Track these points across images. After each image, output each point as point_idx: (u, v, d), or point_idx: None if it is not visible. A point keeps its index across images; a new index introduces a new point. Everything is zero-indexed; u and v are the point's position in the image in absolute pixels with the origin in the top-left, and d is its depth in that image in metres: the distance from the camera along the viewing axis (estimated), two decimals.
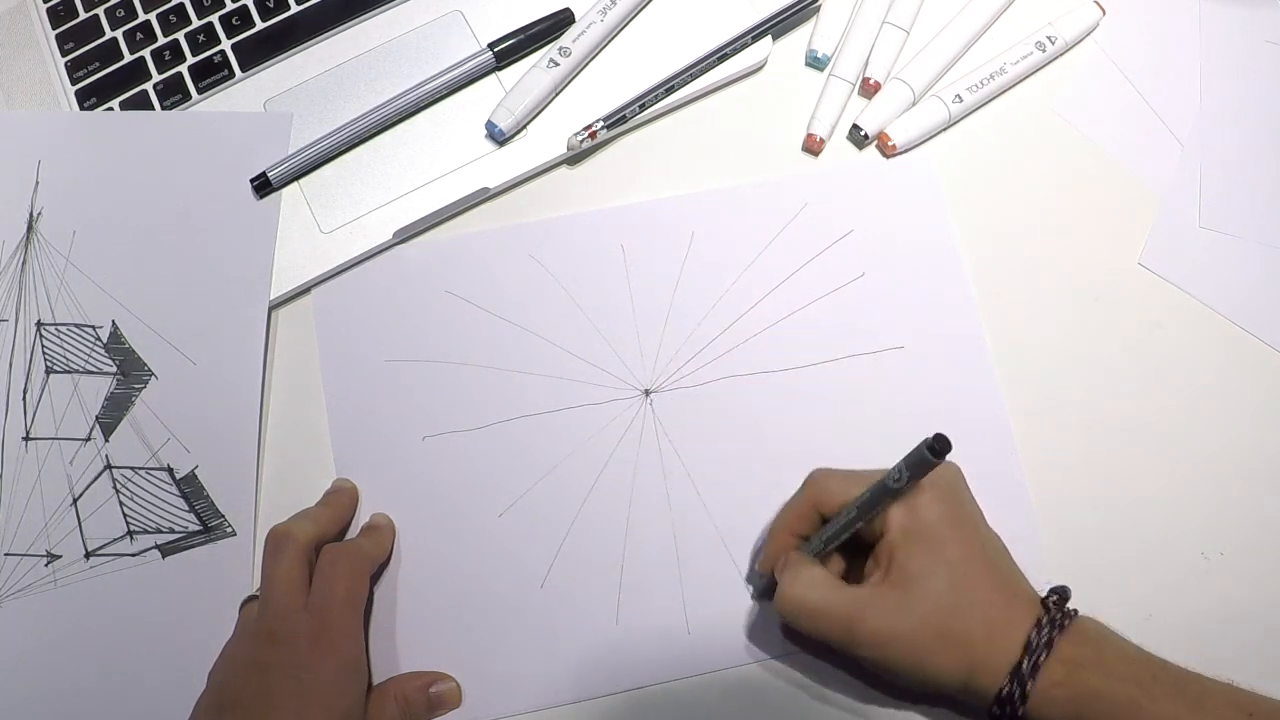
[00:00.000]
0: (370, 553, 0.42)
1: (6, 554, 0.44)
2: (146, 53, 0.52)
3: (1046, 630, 0.35)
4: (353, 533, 0.44)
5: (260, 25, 0.52)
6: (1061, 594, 0.38)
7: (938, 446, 0.34)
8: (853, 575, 0.40)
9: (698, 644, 0.42)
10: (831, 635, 0.37)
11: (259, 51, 0.52)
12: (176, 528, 0.44)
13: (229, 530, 0.44)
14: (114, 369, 0.46)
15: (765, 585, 0.42)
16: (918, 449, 0.35)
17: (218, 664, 0.40)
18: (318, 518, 0.42)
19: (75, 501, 0.44)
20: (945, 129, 0.51)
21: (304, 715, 0.36)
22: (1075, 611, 0.37)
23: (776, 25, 0.52)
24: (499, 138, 0.50)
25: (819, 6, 0.53)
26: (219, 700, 0.38)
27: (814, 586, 0.38)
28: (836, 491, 0.39)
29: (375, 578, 0.43)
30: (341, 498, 0.44)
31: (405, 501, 0.45)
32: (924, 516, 0.37)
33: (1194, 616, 0.43)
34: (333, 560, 0.40)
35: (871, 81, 0.51)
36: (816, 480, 0.40)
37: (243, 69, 0.51)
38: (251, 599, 0.41)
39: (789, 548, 0.40)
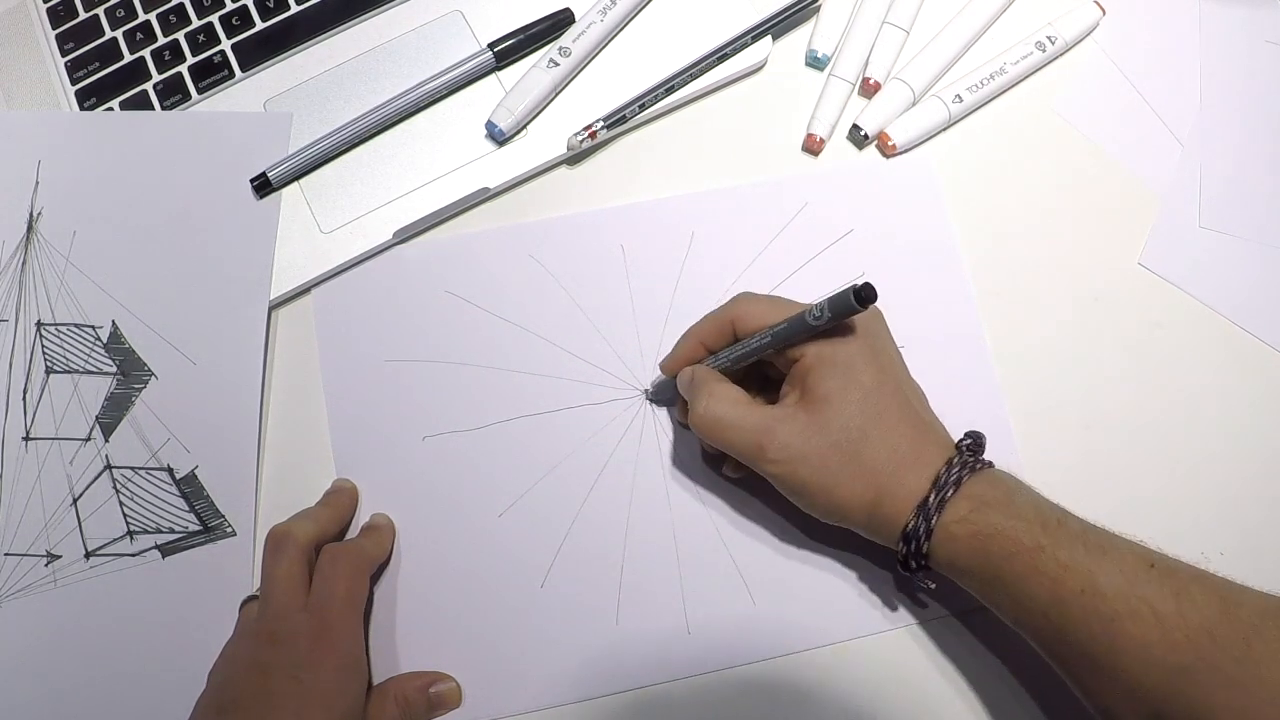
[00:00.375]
0: (370, 553, 0.42)
1: (6, 554, 0.44)
2: (146, 53, 0.52)
3: (956, 470, 0.36)
4: (353, 533, 0.44)
5: (260, 25, 0.52)
6: (976, 439, 0.38)
7: (864, 294, 0.35)
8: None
9: (698, 644, 0.42)
10: (742, 450, 0.38)
11: (259, 51, 0.52)
12: (176, 528, 0.44)
13: (229, 530, 0.44)
14: (114, 369, 0.46)
15: (661, 385, 0.43)
16: (844, 292, 0.35)
17: (218, 664, 0.40)
18: (318, 517, 0.42)
19: (75, 501, 0.44)
20: (945, 129, 0.51)
21: (304, 715, 0.36)
22: (990, 462, 0.38)
23: (776, 25, 0.52)
24: (499, 138, 0.50)
25: (819, 6, 0.53)
26: (219, 700, 0.38)
27: (728, 402, 0.39)
28: (757, 314, 0.40)
29: (375, 578, 0.43)
30: (341, 498, 0.44)
31: (405, 501, 0.45)
32: (841, 347, 0.38)
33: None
34: (333, 560, 0.40)
35: (871, 81, 0.51)
36: (739, 300, 0.41)
37: (243, 69, 0.51)
38: (251, 599, 0.41)
39: (696, 358, 0.41)
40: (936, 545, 0.36)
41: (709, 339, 0.42)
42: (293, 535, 0.40)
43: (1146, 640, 0.32)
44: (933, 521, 0.36)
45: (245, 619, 0.41)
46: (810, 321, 0.37)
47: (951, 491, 0.36)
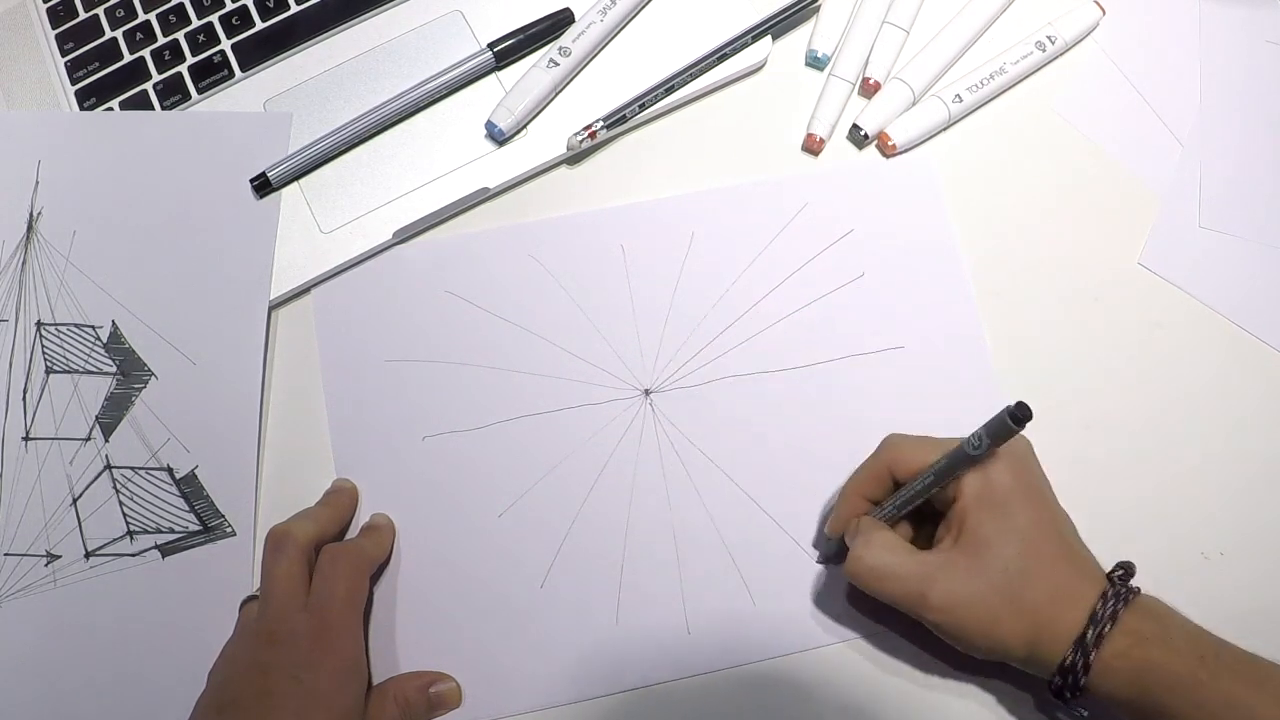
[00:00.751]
0: (370, 553, 0.42)
1: (6, 554, 0.44)
2: (146, 53, 0.52)
3: (1112, 603, 0.36)
4: (352, 533, 0.44)
5: (260, 25, 0.52)
6: (1127, 569, 0.38)
7: (1019, 414, 0.34)
8: (919, 544, 0.40)
9: (698, 644, 0.42)
10: (902, 600, 0.38)
11: (259, 51, 0.52)
12: (176, 528, 0.44)
13: (229, 530, 0.44)
14: (114, 369, 0.46)
15: (833, 550, 0.42)
16: (999, 416, 0.35)
17: (218, 664, 0.40)
18: (318, 517, 0.42)
19: (75, 501, 0.44)
20: (945, 129, 0.51)
21: (304, 715, 0.36)
22: (1139, 589, 0.37)
23: (776, 25, 0.52)
24: (499, 138, 0.50)
25: (819, 6, 0.53)
26: (219, 700, 0.38)
27: (887, 550, 0.38)
28: (911, 457, 0.39)
29: (375, 578, 0.43)
30: (341, 498, 0.44)
31: (405, 501, 0.45)
32: (997, 484, 0.37)
33: (1194, 616, 0.43)
34: (332, 560, 0.40)
35: (871, 81, 0.51)
36: (892, 444, 0.41)
37: (243, 69, 0.51)
38: (251, 599, 0.41)
39: (860, 511, 0.41)
40: (1094, 678, 0.36)
41: (868, 490, 0.41)
42: (293, 535, 0.40)
43: None
44: (1090, 657, 0.35)
45: (245, 619, 0.40)
46: (970, 453, 0.37)
47: (1109, 626, 0.36)
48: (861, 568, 0.38)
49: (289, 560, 0.39)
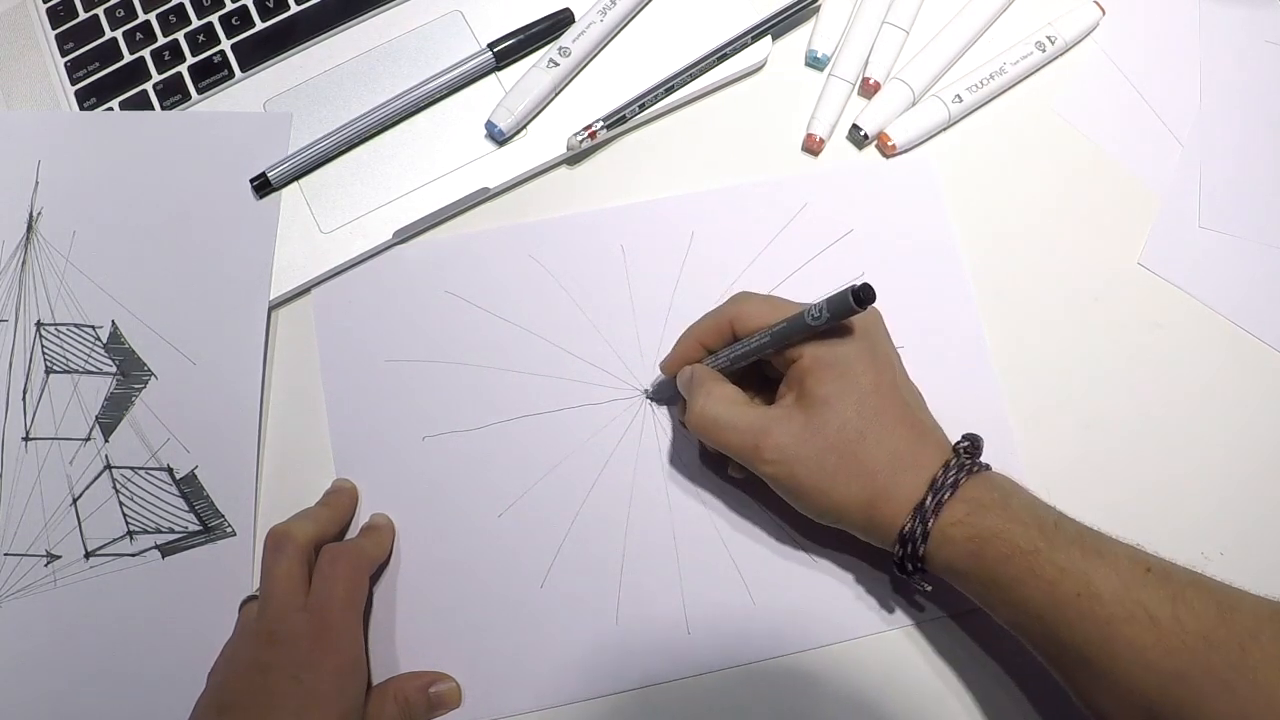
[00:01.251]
0: (370, 553, 0.42)
1: (6, 554, 0.44)
2: (146, 53, 0.52)
3: (954, 472, 0.36)
4: (352, 533, 0.44)
5: (260, 25, 0.52)
6: (973, 441, 0.38)
7: (862, 295, 0.35)
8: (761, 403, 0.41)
9: (698, 644, 0.42)
10: (738, 450, 0.38)
11: (259, 51, 0.52)
12: (176, 528, 0.44)
13: (229, 530, 0.44)
14: (114, 369, 0.46)
15: (661, 384, 0.44)
16: (843, 292, 0.35)
17: (218, 664, 0.40)
18: (318, 517, 0.42)
19: (75, 501, 0.44)
20: (945, 129, 0.51)
21: (303, 715, 0.36)
22: (987, 465, 0.38)
23: (776, 25, 0.52)
24: (499, 138, 0.50)
25: (819, 6, 0.53)
26: (219, 700, 0.38)
27: (724, 402, 0.39)
28: (755, 315, 0.40)
29: (375, 578, 0.43)
30: (341, 498, 0.44)
31: (405, 501, 0.45)
32: (838, 348, 0.38)
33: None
34: (332, 560, 0.40)
35: (871, 81, 0.51)
36: (738, 300, 0.41)
37: (242, 69, 0.51)
38: (251, 599, 0.41)
39: (696, 357, 0.42)
40: (933, 548, 0.36)
41: (708, 338, 0.42)
42: (292, 535, 0.40)
43: (1142, 644, 0.32)
44: (929, 524, 0.36)
45: (245, 619, 0.40)
46: (809, 322, 0.37)
47: (948, 494, 0.36)
48: (701, 419, 0.39)
49: (289, 560, 0.39)
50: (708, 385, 0.40)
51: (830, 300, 0.36)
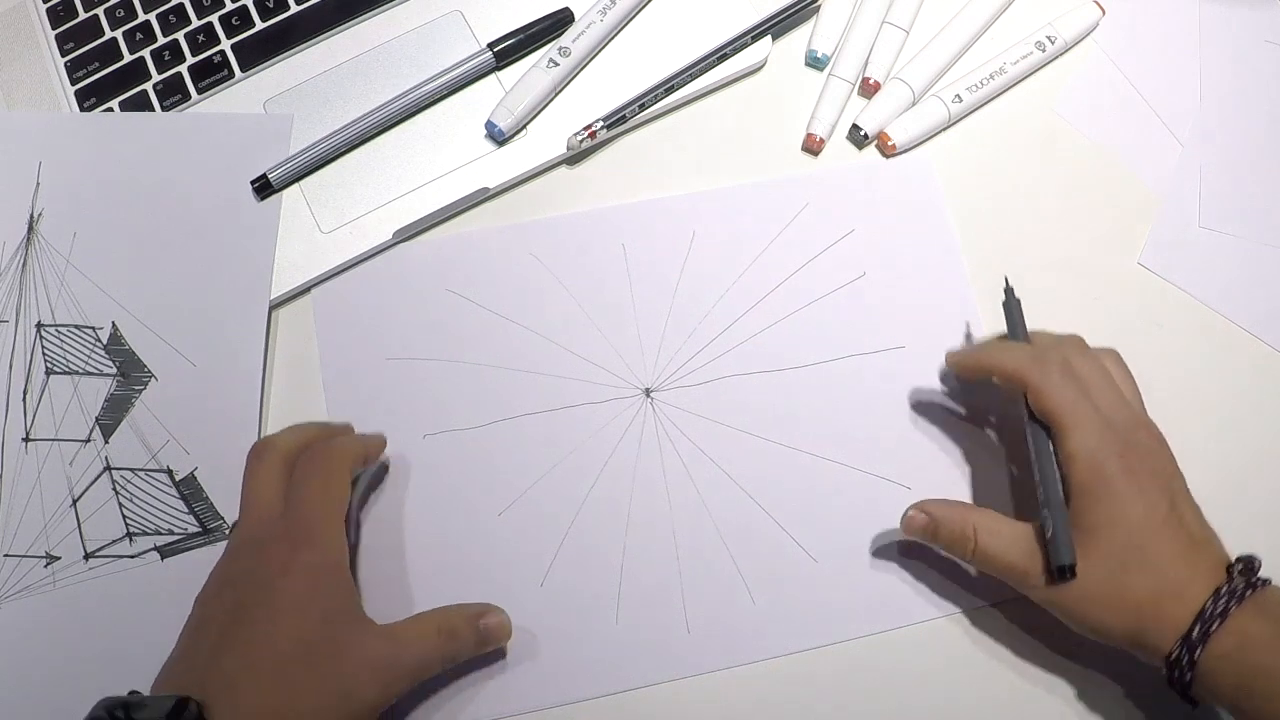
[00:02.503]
0: (348, 448, 0.40)
1: (6, 555, 0.44)
2: (146, 53, 0.52)
3: (1224, 600, 0.35)
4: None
5: (260, 25, 0.52)
6: (1248, 563, 0.37)
7: (1062, 575, 0.36)
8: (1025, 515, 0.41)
9: (698, 644, 0.42)
10: (1008, 578, 0.39)
11: (259, 52, 0.52)
12: (176, 529, 0.44)
13: (228, 532, 0.44)
14: (114, 370, 0.46)
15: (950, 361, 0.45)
16: (1056, 554, 0.37)
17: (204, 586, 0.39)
18: (300, 429, 0.41)
19: (75, 503, 0.44)
20: (945, 129, 0.51)
21: (275, 623, 0.35)
22: (1263, 581, 0.36)
23: (776, 25, 0.52)
24: (499, 138, 0.50)
25: (819, 6, 0.53)
26: (194, 622, 0.37)
27: (997, 538, 0.39)
28: (1054, 410, 0.39)
29: (376, 577, 0.43)
30: (335, 425, 0.43)
31: (406, 500, 0.45)
32: (1114, 481, 0.37)
33: None
34: (308, 459, 0.39)
35: (871, 81, 0.51)
36: (1054, 384, 0.39)
37: (243, 69, 0.51)
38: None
39: (976, 378, 0.43)
40: (1201, 677, 0.35)
41: (998, 378, 0.42)
42: (273, 444, 0.39)
43: None
44: (1195, 655, 0.35)
45: (229, 539, 0.40)
46: (1044, 524, 0.38)
47: (1217, 624, 0.35)
48: (978, 556, 0.39)
49: (267, 468, 0.38)
50: (986, 523, 0.39)
51: (1051, 543, 0.37)
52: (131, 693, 0.35)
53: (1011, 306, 0.44)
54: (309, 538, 0.37)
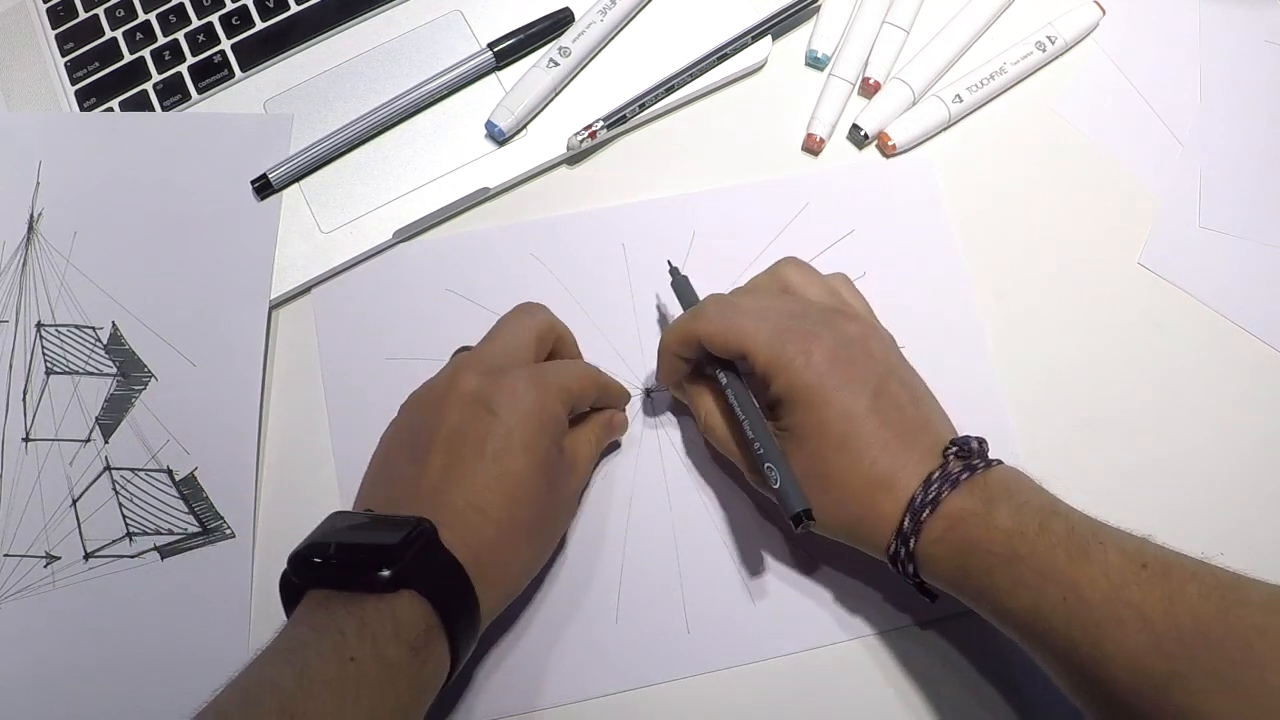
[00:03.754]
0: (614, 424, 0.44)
1: (6, 555, 0.44)
2: (146, 53, 0.52)
3: (935, 486, 0.35)
4: None
5: (260, 25, 0.52)
6: (964, 446, 0.36)
7: (799, 521, 0.36)
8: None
9: (697, 644, 0.42)
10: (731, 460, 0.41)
11: (259, 51, 0.52)
12: (176, 529, 0.44)
13: (228, 532, 0.44)
14: (114, 370, 0.46)
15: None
16: (789, 503, 0.36)
17: (419, 395, 0.40)
18: (585, 375, 0.42)
19: (75, 503, 0.44)
20: (945, 129, 0.51)
21: (502, 458, 0.36)
22: (986, 463, 0.36)
23: (776, 25, 0.52)
24: (499, 138, 0.50)
25: (819, 6, 0.53)
26: (421, 419, 0.38)
27: (716, 417, 0.41)
28: (722, 343, 0.39)
29: None
30: (612, 390, 0.44)
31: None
32: (804, 381, 0.37)
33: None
34: (562, 360, 0.42)
35: (871, 81, 0.51)
36: (705, 317, 0.40)
37: (243, 69, 0.51)
38: (464, 348, 0.42)
39: (680, 371, 0.42)
40: (920, 566, 0.36)
41: (683, 351, 0.41)
42: (546, 316, 0.42)
43: (1133, 648, 0.31)
44: (911, 545, 0.35)
45: (457, 360, 0.41)
46: (766, 477, 0.37)
47: (928, 512, 0.35)
48: (706, 432, 0.42)
49: (536, 322, 0.41)
50: (702, 399, 0.41)
51: (781, 493, 0.36)
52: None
53: (678, 284, 0.44)
54: (541, 393, 0.38)
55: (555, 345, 0.43)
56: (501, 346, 0.40)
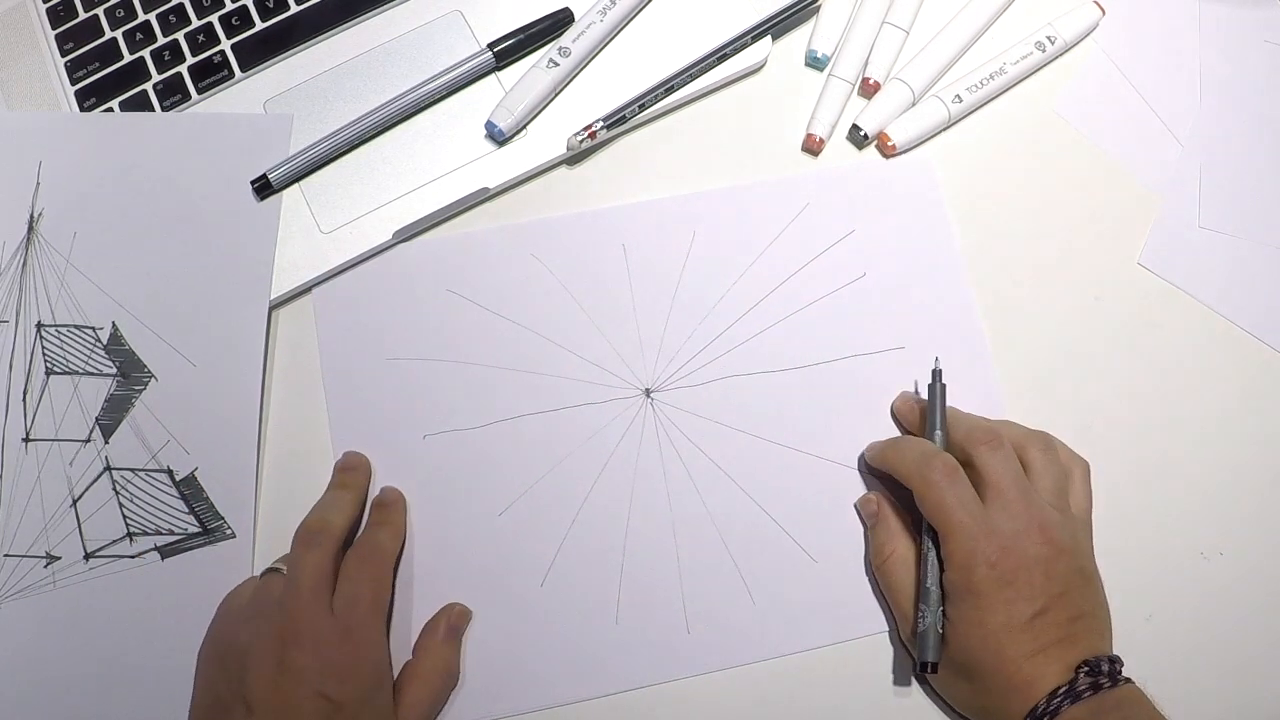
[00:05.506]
0: (389, 548, 0.42)
1: (6, 555, 0.44)
2: (146, 53, 0.52)
3: (1060, 699, 0.37)
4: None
5: (260, 25, 0.52)
6: (1095, 666, 0.38)
7: (924, 669, 0.39)
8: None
9: (697, 644, 0.42)
10: (892, 605, 0.42)
11: (259, 52, 0.52)
12: (176, 529, 0.44)
13: (228, 532, 0.44)
14: (114, 370, 0.46)
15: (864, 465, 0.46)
16: (920, 652, 0.39)
17: (226, 629, 0.39)
18: (342, 506, 0.42)
19: (75, 503, 0.44)
20: (945, 129, 0.51)
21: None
22: (1110, 684, 0.38)
23: (776, 25, 0.52)
24: (499, 138, 0.50)
25: (819, 6, 0.53)
26: (240, 691, 0.37)
27: (902, 565, 0.42)
28: (927, 510, 0.41)
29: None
30: (358, 476, 0.44)
31: (406, 499, 0.45)
32: (981, 589, 0.39)
33: (1194, 616, 0.43)
34: (359, 563, 0.40)
35: (871, 81, 0.51)
36: (933, 486, 0.41)
37: (242, 69, 0.51)
38: (273, 570, 0.41)
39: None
40: None
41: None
42: (329, 529, 0.40)
43: None
44: None
45: (266, 593, 0.39)
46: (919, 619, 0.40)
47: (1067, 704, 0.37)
48: (876, 560, 0.43)
49: (322, 555, 0.39)
50: (904, 552, 0.42)
51: (922, 637, 0.39)
52: None
53: (933, 393, 0.44)
54: (361, 645, 0.38)
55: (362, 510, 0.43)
56: (303, 602, 0.38)
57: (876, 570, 0.43)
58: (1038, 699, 0.37)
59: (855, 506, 0.44)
